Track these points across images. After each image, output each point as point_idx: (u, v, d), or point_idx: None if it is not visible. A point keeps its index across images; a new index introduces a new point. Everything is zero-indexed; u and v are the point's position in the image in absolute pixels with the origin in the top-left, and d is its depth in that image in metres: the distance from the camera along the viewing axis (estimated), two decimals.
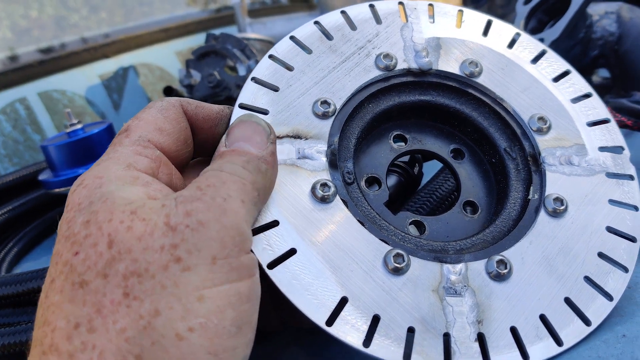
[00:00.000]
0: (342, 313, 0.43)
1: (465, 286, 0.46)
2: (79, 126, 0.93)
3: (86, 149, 0.90)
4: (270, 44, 1.37)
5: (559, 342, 0.46)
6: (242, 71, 1.13)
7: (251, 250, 0.40)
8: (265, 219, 0.45)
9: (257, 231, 0.44)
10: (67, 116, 0.93)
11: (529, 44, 0.60)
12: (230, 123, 0.47)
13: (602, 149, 0.55)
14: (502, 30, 0.60)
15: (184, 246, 0.36)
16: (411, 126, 0.58)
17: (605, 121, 0.57)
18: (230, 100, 1.17)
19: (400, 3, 0.58)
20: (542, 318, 0.46)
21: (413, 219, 0.53)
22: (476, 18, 0.60)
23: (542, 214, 0.51)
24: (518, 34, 0.60)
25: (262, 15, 1.74)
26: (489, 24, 0.59)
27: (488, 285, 0.46)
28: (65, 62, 1.39)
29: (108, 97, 1.45)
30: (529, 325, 0.45)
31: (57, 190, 0.90)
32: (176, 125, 0.46)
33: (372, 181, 0.54)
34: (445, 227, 0.53)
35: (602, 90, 1.06)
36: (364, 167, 0.55)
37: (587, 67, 1.03)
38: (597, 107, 0.57)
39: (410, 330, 0.43)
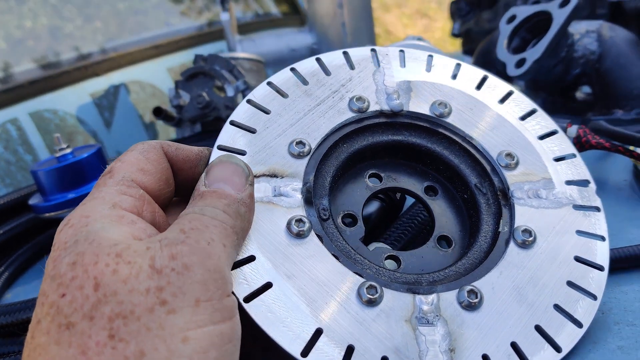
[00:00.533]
0: (317, 344, 0.44)
1: (437, 316, 0.47)
2: (68, 150, 0.93)
3: (75, 173, 0.90)
4: (259, 62, 1.40)
5: None
6: (230, 92, 1.15)
7: (233, 293, 0.42)
8: (243, 255, 0.46)
9: (234, 266, 0.46)
10: (57, 141, 0.93)
11: (497, 86, 0.63)
12: (209, 163, 0.50)
13: (569, 182, 0.57)
14: (471, 73, 0.63)
15: (170, 289, 0.37)
16: (385, 165, 0.61)
17: (571, 156, 0.59)
18: (219, 121, 1.17)
19: (373, 50, 0.62)
20: (514, 345, 0.47)
21: (389, 254, 0.55)
22: (445, 63, 0.63)
23: (512, 246, 0.53)
24: (485, 77, 0.63)
25: (254, 29, 1.74)
26: (457, 67, 0.63)
27: (460, 315, 0.48)
28: (56, 81, 1.39)
29: (99, 116, 1.45)
30: (500, 353, 0.46)
31: (47, 215, 0.90)
32: (157, 166, 0.48)
33: (349, 218, 0.56)
34: (420, 261, 0.55)
35: (586, 106, 1.09)
36: (341, 205, 0.57)
37: (569, 85, 1.06)
38: (563, 144, 0.60)
39: None
